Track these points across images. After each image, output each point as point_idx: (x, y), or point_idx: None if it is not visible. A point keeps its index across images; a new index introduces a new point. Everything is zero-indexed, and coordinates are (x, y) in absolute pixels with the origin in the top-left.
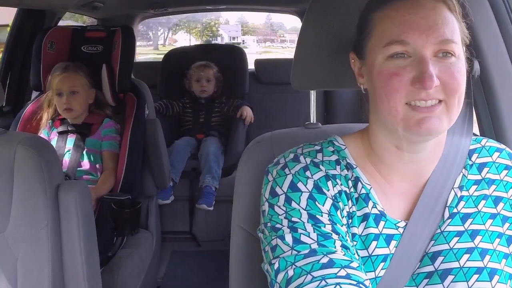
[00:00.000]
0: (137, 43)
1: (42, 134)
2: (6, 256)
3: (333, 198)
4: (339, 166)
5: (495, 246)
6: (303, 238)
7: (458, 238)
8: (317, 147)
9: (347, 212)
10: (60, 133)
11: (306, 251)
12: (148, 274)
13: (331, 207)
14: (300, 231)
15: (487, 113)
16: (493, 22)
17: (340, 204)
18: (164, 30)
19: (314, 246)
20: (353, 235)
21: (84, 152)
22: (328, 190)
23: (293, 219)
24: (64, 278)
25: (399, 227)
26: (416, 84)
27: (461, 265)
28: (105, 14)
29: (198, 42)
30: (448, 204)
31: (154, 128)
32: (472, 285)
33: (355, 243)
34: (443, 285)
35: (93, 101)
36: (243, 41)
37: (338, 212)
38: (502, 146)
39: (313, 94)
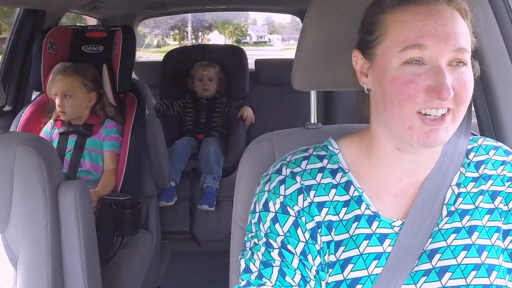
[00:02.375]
0: (186, 42)
1: (44, 134)
2: (7, 256)
3: (297, 214)
4: (321, 174)
5: (493, 241)
6: (251, 266)
7: (455, 235)
8: (306, 154)
9: (314, 228)
10: (61, 133)
11: (245, 282)
12: (148, 274)
13: (291, 226)
14: (254, 256)
15: (487, 113)
16: (493, 22)
17: (304, 218)
18: (204, 31)
19: (253, 277)
20: (330, 263)
21: (85, 152)
22: (294, 206)
23: (255, 240)
24: (64, 278)
25: (394, 226)
26: (432, 93)
27: (459, 262)
28: (105, 14)
29: (229, 41)
30: (445, 202)
31: (154, 128)
32: (470, 281)
33: (330, 270)
34: (441, 282)
35: (96, 103)
36: (269, 39)
37: (299, 229)
38: (499, 144)
39: (313, 94)
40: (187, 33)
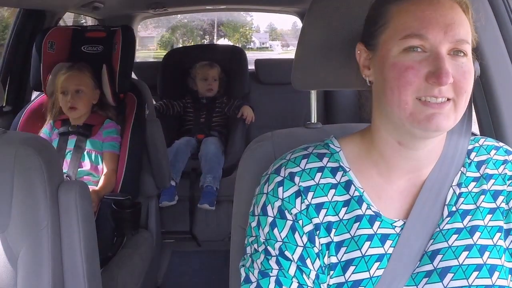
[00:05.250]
0: None
1: (44, 134)
2: (6, 256)
3: (295, 217)
4: (320, 174)
5: (495, 241)
6: (250, 276)
7: (457, 235)
8: (306, 152)
9: (312, 231)
10: (61, 134)
11: None
12: (148, 274)
13: (289, 231)
14: (254, 265)
15: (487, 113)
16: (493, 22)
17: (301, 222)
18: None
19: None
20: (331, 264)
21: (85, 153)
22: (292, 209)
23: (255, 246)
24: (64, 278)
25: (395, 226)
26: (431, 79)
27: (460, 263)
28: (105, 14)
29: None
30: (447, 203)
31: (154, 128)
32: (472, 282)
33: (331, 272)
34: (442, 283)
35: (97, 102)
36: (270, 45)
37: (296, 234)
38: (500, 144)
39: (313, 94)
40: (205, 40)
